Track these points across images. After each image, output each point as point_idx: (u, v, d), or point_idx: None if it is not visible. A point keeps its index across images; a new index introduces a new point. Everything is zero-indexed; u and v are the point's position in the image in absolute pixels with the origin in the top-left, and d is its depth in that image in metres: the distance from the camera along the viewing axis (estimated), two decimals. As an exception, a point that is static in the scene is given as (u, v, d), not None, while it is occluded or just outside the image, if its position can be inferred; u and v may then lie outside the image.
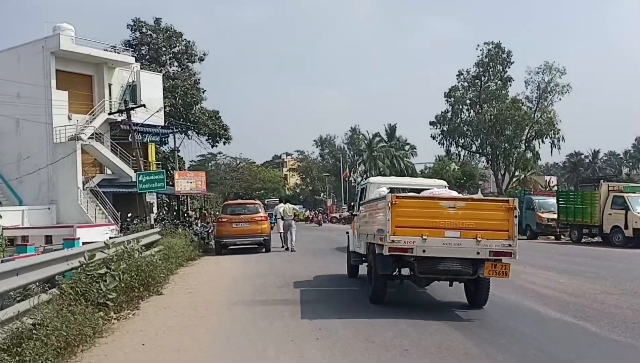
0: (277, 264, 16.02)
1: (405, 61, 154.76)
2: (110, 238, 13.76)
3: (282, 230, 21.48)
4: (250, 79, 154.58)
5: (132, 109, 23.05)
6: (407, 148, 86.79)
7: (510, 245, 8.15)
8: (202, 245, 20.61)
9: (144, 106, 25.01)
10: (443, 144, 58.67)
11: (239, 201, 23.86)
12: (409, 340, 6.73)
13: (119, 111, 25.17)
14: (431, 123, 58.51)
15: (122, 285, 9.14)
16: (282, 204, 22.00)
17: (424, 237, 8.06)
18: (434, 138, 58.90)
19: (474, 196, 9.24)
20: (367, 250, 10.06)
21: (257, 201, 21.77)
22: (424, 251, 8.11)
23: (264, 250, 19.75)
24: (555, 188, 61.74)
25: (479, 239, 8.07)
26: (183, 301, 9.69)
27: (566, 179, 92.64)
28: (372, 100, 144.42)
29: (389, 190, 9.04)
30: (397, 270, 8.90)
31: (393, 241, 8.03)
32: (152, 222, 18.54)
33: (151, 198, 18.63)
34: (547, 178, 73.97)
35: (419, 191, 9.65)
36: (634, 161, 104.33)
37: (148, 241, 15.05)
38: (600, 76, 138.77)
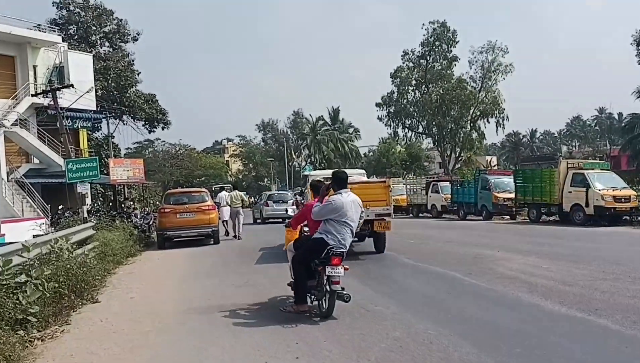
0: (229, 257, 14.53)
1: (347, 44, 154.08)
2: (34, 236, 11.92)
3: (226, 218, 20.22)
4: (186, 63, 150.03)
5: (59, 89, 20.73)
6: (350, 131, 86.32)
7: (387, 209, 13.19)
8: (142, 238, 18.79)
9: (71, 86, 22.67)
10: (390, 125, 58.10)
11: (183, 189, 22.05)
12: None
13: (44, 92, 22.71)
14: (377, 105, 57.89)
15: (48, 294, 7.47)
16: (225, 192, 20.89)
17: None
18: (380, 119, 58.35)
19: (364, 180, 15.23)
20: None
21: (204, 189, 20.01)
22: None
23: (212, 242, 18.16)
24: (496, 167, 62.53)
25: (368, 207, 11.62)
26: (123, 311, 8.08)
27: (506, 159, 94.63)
28: (314, 84, 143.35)
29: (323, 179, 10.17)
30: None
31: None
32: (85, 215, 16.57)
33: (84, 188, 16.62)
34: (487, 157, 74.97)
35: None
36: (568, 139, 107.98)
37: (80, 238, 13.20)
38: (535, 54, 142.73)
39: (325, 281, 7.09)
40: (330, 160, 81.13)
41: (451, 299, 8.10)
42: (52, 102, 22.69)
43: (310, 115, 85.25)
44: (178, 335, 6.58)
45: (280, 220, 27.22)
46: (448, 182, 31.26)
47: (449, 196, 29.30)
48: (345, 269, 7.17)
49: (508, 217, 25.92)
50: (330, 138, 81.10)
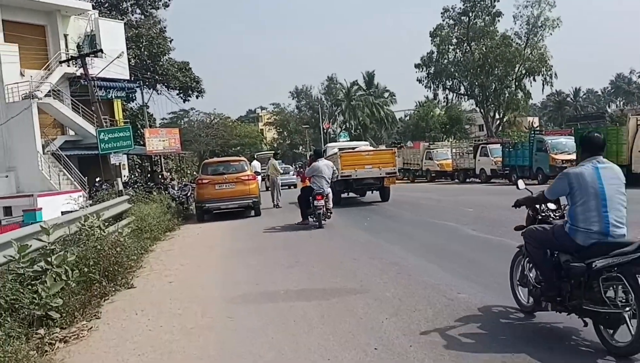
0: (273, 230, 13.41)
1: (381, 4, 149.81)
2: (62, 212, 10.98)
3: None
4: (217, 31, 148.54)
5: (88, 55, 19.69)
6: (386, 95, 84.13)
7: (394, 169, 18.42)
8: (181, 211, 17.82)
9: (101, 51, 21.68)
10: (429, 87, 55.82)
11: (221, 158, 20.90)
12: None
13: (73, 58, 21.72)
14: (416, 66, 55.55)
15: (73, 283, 6.43)
16: (257, 161, 20.08)
17: (356, 170, 17.89)
18: (419, 81, 56.04)
19: (377, 149, 24.10)
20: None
21: (242, 158, 18.89)
22: (356, 176, 17.89)
23: (253, 214, 17.08)
24: (539, 128, 59.75)
25: (380, 168, 17.94)
26: (161, 301, 7.00)
27: (549, 119, 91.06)
28: (348, 48, 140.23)
29: (338, 149, 16.94)
30: (345, 189, 18.31)
31: (342, 172, 17.35)
32: (121, 188, 15.65)
33: (117, 159, 15.67)
34: (529, 118, 71.96)
35: (354, 148, 21.15)
36: (612, 97, 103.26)
37: (115, 213, 12.25)
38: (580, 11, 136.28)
39: (313, 210, 13.01)
40: (365, 126, 79.50)
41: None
42: (83, 71, 21.75)
43: (344, 80, 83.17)
44: (226, 335, 5.44)
45: (287, 187, 31.36)
46: (498, 145, 29.45)
47: (500, 159, 27.58)
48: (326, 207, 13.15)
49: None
50: (365, 103, 79.33)
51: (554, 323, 5.06)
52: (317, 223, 12.82)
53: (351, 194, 19.69)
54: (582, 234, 4.58)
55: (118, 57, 26.83)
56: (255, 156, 27.79)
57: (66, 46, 30.81)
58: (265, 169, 24.06)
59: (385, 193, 18.61)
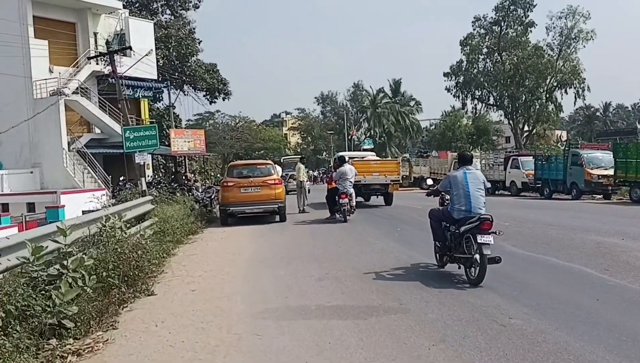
0: (300, 236, 12.88)
1: (409, 13, 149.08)
2: (83, 212, 10.60)
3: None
4: (244, 35, 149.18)
5: (116, 52, 19.46)
6: (412, 103, 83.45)
7: (397, 177, 20.93)
8: (204, 213, 17.40)
9: (129, 48, 21.45)
10: (458, 97, 54.88)
11: (247, 161, 20.46)
12: None
13: (101, 55, 21.50)
14: (445, 74, 54.67)
15: (89, 289, 5.95)
16: (278, 166, 19.90)
17: (365, 176, 19.69)
18: (448, 90, 55.15)
19: (384, 160, 28.52)
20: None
21: (269, 161, 18.42)
22: (365, 181, 19.67)
23: (278, 219, 16.57)
24: (567, 142, 58.32)
25: (386, 176, 20.25)
26: (183, 312, 6.50)
27: (577, 133, 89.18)
28: (375, 55, 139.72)
29: (349, 158, 18.17)
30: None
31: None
32: (144, 188, 15.27)
33: (142, 158, 15.28)
34: (557, 132, 70.40)
35: (362, 158, 23.52)
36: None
37: (137, 213, 11.83)
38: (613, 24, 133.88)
39: (339, 207, 15.32)
40: (390, 134, 78.88)
41: (602, 308, 6.09)
42: (111, 68, 21.52)
43: (370, 87, 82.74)
44: (255, 356, 4.90)
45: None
46: (531, 157, 28.54)
47: (532, 172, 26.69)
48: (350, 204, 15.66)
49: (600, 196, 23.20)
50: (390, 111, 78.79)
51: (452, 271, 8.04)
52: (342, 218, 15.29)
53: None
54: (456, 211, 7.60)
55: (147, 55, 26.66)
56: (282, 161, 27.43)
57: (95, 44, 30.80)
58: (290, 173, 23.76)
59: (389, 198, 20.97)
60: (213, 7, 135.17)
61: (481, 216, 7.27)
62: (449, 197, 7.90)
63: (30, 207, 25.42)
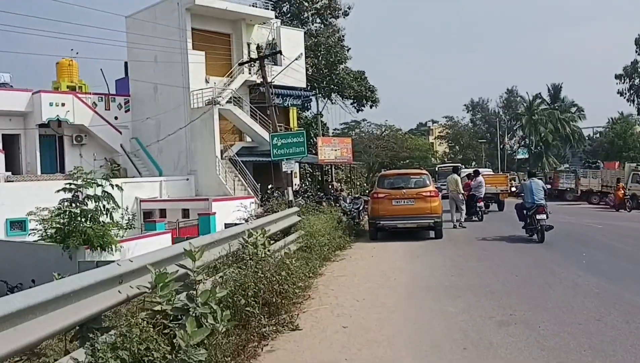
0: (461, 259, 11.09)
1: (567, 14, 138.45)
2: (226, 225, 9.80)
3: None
4: (389, 44, 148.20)
5: (267, 56, 19.11)
6: (573, 110, 76.46)
7: (506, 187, 26.31)
8: (352, 226, 16.17)
9: (280, 53, 21.07)
10: (633, 101, 48.82)
11: (400, 171, 18.91)
12: None
13: (252, 60, 21.35)
14: (617, 77, 49.09)
15: (222, 327, 4.83)
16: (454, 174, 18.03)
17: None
18: (620, 93, 49.34)
19: (495, 174, 35.04)
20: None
21: (424, 171, 16.76)
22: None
23: (433, 235, 14.86)
24: None
25: (497, 186, 25.15)
26: (335, 359, 5.16)
27: None
28: (530, 60, 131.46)
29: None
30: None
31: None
32: (291, 198, 14.44)
33: (289, 166, 14.45)
34: None
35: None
36: None
37: (283, 226, 10.89)
38: None
39: (477, 209, 19.24)
40: (548, 142, 73.00)
41: None
42: (261, 73, 21.29)
43: (526, 93, 77.27)
44: None
45: None
46: None
47: None
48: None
49: None
50: (549, 118, 72.79)
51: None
52: (479, 219, 19.37)
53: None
54: (527, 202, 13.66)
55: (297, 58, 26.42)
56: (437, 170, 25.83)
57: (249, 54, 31.34)
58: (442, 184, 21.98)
59: (501, 204, 24.83)
60: (360, 17, 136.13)
61: (538, 204, 13.30)
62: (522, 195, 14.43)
63: (185, 213, 26.18)
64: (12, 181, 26.77)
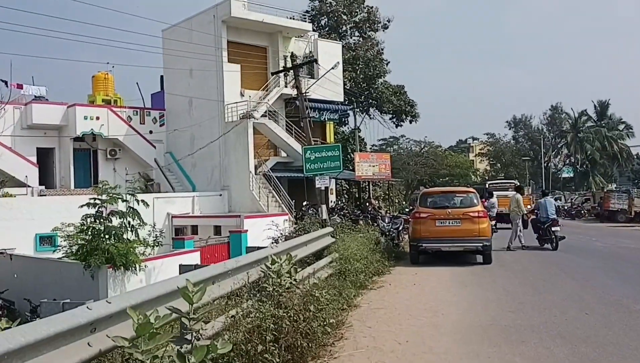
0: (518, 290, 9.70)
1: (610, 31, 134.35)
2: (247, 249, 8.72)
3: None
4: (428, 60, 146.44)
5: (301, 66, 18.11)
6: (621, 127, 73.70)
7: (530, 206, 23.27)
8: (391, 248, 14.89)
9: (315, 61, 20.11)
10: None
11: (445, 188, 17.46)
12: None
13: (286, 70, 20.37)
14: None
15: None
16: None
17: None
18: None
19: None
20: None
21: (471, 189, 15.32)
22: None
23: (481, 260, 13.47)
24: None
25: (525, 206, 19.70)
26: None
27: None
28: (575, 76, 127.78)
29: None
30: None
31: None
32: (325, 216, 13.30)
33: (323, 182, 13.37)
34: None
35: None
36: None
37: (314, 249, 9.75)
38: None
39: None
40: (594, 161, 70.30)
41: None
42: (295, 83, 20.27)
43: (571, 109, 74.76)
44: None
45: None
46: None
47: None
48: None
49: None
50: (595, 136, 70.19)
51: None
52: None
53: None
54: (542, 216, 16.48)
55: (334, 67, 25.42)
56: (488, 186, 24.24)
57: (285, 66, 30.55)
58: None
59: (525, 223, 23.24)
60: (398, 31, 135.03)
61: (552, 219, 16.14)
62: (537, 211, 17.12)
63: (217, 230, 25.31)
64: (45, 195, 26.46)
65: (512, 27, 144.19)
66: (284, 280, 6.47)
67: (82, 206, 15.32)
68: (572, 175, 76.26)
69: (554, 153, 77.51)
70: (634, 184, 42.46)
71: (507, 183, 35.08)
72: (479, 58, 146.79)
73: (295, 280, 6.75)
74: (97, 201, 15.30)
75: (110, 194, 15.43)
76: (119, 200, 15.52)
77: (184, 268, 10.48)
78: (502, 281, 10.75)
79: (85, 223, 15.29)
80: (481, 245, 13.05)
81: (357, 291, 9.34)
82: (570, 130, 74.11)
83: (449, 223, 13.25)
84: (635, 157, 78.13)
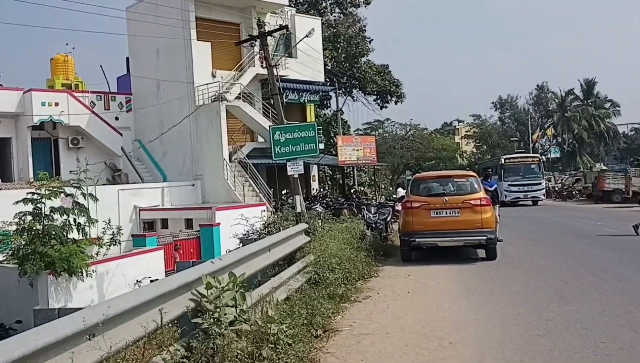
0: (537, 297, 7.70)
1: (601, 9, 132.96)
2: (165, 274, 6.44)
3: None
4: (413, 44, 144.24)
5: (270, 34, 15.83)
6: (608, 105, 72.64)
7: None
8: (378, 243, 12.81)
9: (285, 28, 17.86)
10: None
11: (440, 172, 15.21)
12: None
13: (252, 38, 18.09)
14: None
15: None
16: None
17: None
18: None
19: None
20: None
21: (471, 173, 13.18)
22: None
23: (484, 255, 11.48)
24: None
25: None
26: None
27: None
28: (561, 55, 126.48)
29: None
30: None
31: None
32: (299, 209, 11.19)
33: (295, 168, 11.29)
34: None
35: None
36: None
37: (283, 254, 7.67)
38: None
39: None
40: (582, 140, 69.10)
41: None
42: (277, 75, 17.83)
43: (559, 88, 73.40)
44: None
45: None
46: None
47: None
48: None
49: None
50: (582, 115, 68.95)
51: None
52: None
53: None
54: None
55: (308, 35, 23.31)
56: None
57: (251, 35, 28.20)
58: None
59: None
60: (382, 17, 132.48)
61: None
62: None
63: (189, 223, 23.12)
64: (0, 189, 24.03)
65: (495, 7, 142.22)
66: (224, 314, 4.40)
67: (17, 202, 13.10)
68: (558, 155, 75.02)
69: (540, 132, 76.01)
70: (629, 163, 40.81)
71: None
72: (463, 39, 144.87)
73: (242, 310, 4.67)
74: (35, 197, 13.09)
75: (51, 189, 13.23)
76: (62, 194, 13.33)
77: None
78: (516, 285, 8.72)
79: (21, 222, 13.04)
80: (485, 237, 10.99)
81: (336, 306, 7.29)
82: (557, 110, 72.81)
83: (446, 213, 11.19)
84: (622, 135, 77.31)
